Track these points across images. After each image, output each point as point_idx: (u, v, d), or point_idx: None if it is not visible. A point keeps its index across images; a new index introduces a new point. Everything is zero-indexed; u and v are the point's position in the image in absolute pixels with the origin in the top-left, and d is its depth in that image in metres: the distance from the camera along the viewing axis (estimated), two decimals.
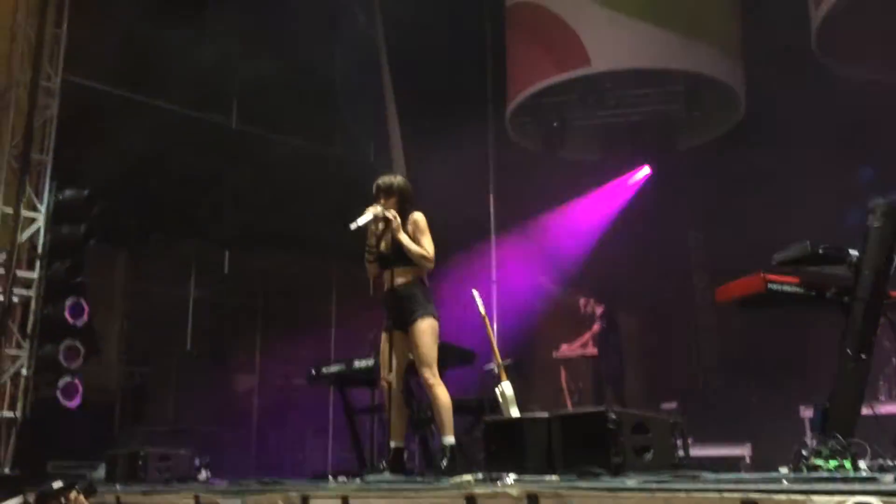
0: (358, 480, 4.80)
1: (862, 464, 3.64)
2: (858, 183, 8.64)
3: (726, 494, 2.60)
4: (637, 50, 10.00)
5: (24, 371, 7.40)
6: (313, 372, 6.61)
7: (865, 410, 4.11)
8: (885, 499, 2.26)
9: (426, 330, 4.80)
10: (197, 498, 4.64)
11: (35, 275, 7.63)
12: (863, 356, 4.01)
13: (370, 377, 5.92)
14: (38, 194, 7.80)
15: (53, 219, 7.75)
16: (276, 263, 10.73)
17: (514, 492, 3.18)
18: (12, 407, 7.35)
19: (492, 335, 6.17)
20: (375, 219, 4.88)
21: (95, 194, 7.75)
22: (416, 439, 6.16)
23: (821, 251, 4.21)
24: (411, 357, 4.88)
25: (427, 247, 4.88)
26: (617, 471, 3.64)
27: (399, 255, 4.86)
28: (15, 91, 7.91)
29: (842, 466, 3.56)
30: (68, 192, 7.77)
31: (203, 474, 6.31)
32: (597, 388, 9.24)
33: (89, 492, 5.11)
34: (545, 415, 4.22)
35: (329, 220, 6.96)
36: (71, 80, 8.28)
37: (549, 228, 10.45)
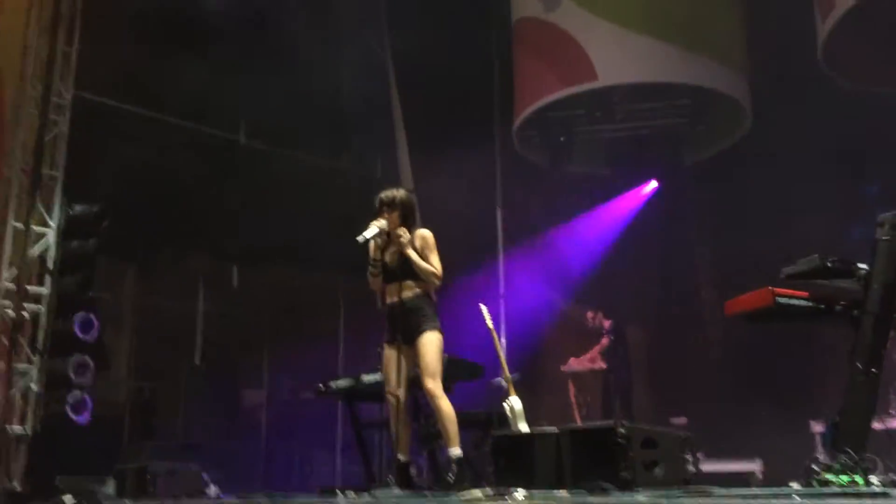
0: (366, 495, 4.79)
1: (873, 479, 3.62)
2: (865, 196, 8.63)
3: None
4: (644, 65, 10.04)
5: (33, 386, 7.41)
6: (322, 386, 6.60)
7: (877, 425, 4.09)
8: None
9: (433, 342, 4.82)
10: None
11: (45, 290, 7.64)
12: (873, 370, 3.99)
13: (379, 391, 5.91)
14: (49, 210, 7.84)
15: (63, 234, 7.78)
16: (284, 278, 10.75)
17: None
18: (22, 422, 7.36)
19: (500, 349, 6.18)
20: (381, 232, 4.91)
21: (105, 210, 7.78)
22: (424, 454, 6.15)
23: (829, 265, 4.20)
24: (418, 370, 4.89)
25: (436, 264, 4.92)
26: (626, 486, 3.63)
27: (407, 270, 4.89)
28: (26, 107, 7.97)
29: (853, 482, 3.54)
30: (78, 208, 7.80)
31: (212, 489, 6.31)
32: (605, 402, 9.21)
33: None
34: (554, 429, 4.21)
35: (337, 235, 6.97)
36: (81, 96, 8.34)
37: (556, 242, 10.45)
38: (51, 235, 7.77)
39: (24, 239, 7.58)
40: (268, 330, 10.83)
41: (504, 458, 4.33)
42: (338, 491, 5.50)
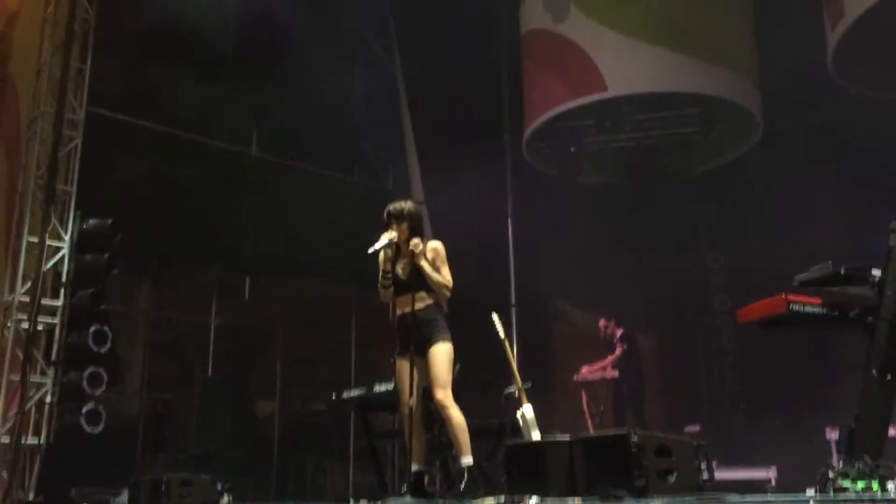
0: None
1: (890, 485, 3.59)
2: (877, 202, 8.59)
3: None
4: (653, 74, 10.05)
5: (48, 398, 7.46)
6: (334, 396, 6.62)
7: (893, 431, 4.07)
8: None
9: (443, 353, 4.84)
10: None
11: (59, 303, 7.71)
12: (888, 377, 3.97)
13: (391, 401, 5.92)
14: (63, 224, 7.91)
15: (77, 248, 7.84)
16: (296, 290, 10.79)
17: None
18: (36, 434, 7.41)
19: (511, 358, 6.17)
20: (390, 244, 4.93)
21: (118, 223, 7.84)
22: (437, 463, 6.14)
23: (843, 271, 4.19)
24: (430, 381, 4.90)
25: (447, 275, 4.95)
26: (640, 494, 3.61)
27: (418, 281, 4.91)
28: (40, 123, 8.06)
29: (869, 488, 3.52)
30: (92, 222, 7.86)
31: (225, 500, 6.31)
32: (618, 411, 9.18)
33: None
34: (567, 437, 4.20)
35: (348, 247, 7.01)
36: (94, 112, 8.43)
37: (566, 251, 10.44)
38: (65, 249, 7.83)
39: (40, 253, 7.65)
40: (280, 342, 10.86)
41: (517, 466, 4.31)
42: (351, 501, 5.51)
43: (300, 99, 9.66)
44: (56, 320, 7.67)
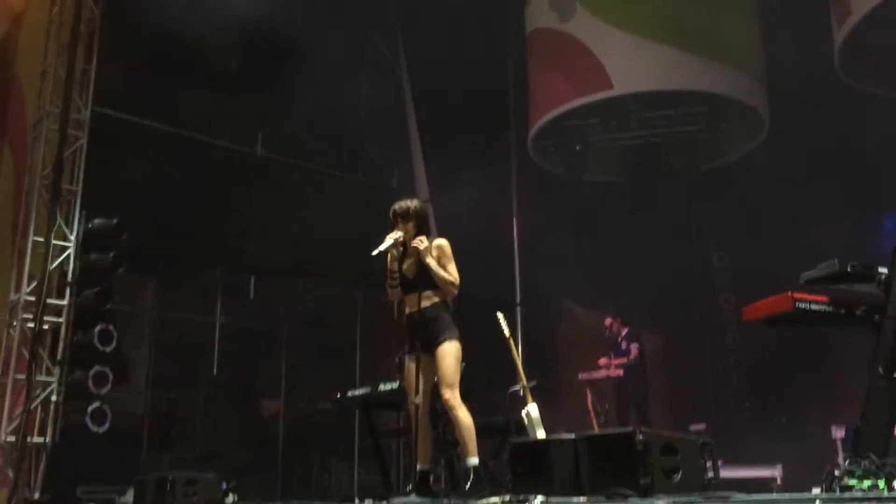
0: None
1: None
2: (883, 201, 8.57)
3: None
4: (658, 73, 10.04)
5: (53, 397, 7.48)
6: (339, 395, 6.62)
7: None
8: None
9: (451, 352, 4.83)
10: None
11: (65, 302, 7.73)
12: (894, 375, 3.96)
13: (396, 400, 5.92)
14: (69, 223, 7.93)
15: (83, 247, 7.86)
16: (302, 289, 10.80)
17: None
18: (42, 433, 7.42)
19: (517, 357, 6.17)
20: (395, 244, 4.93)
21: (124, 223, 7.86)
22: (442, 462, 6.14)
23: (849, 269, 4.18)
24: (437, 380, 4.90)
25: (453, 272, 4.94)
26: (646, 492, 3.60)
27: (425, 280, 4.90)
28: (45, 123, 8.08)
29: (875, 487, 3.51)
30: (97, 221, 7.88)
31: (230, 499, 6.33)
32: (623, 409, 9.17)
33: None
34: (572, 436, 4.19)
35: (353, 246, 7.00)
36: (100, 112, 8.44)
37: (572, 250, 10.43)
38: (70, 248, 7.85)
39: (45, 252, 7.67)
40: (285, 341, 10.87)
41: (522, 465, 4.30)
42: (356, 500, 5.52)
43: (305, 99, 9.66)
44: (62, 320, 7.69)
